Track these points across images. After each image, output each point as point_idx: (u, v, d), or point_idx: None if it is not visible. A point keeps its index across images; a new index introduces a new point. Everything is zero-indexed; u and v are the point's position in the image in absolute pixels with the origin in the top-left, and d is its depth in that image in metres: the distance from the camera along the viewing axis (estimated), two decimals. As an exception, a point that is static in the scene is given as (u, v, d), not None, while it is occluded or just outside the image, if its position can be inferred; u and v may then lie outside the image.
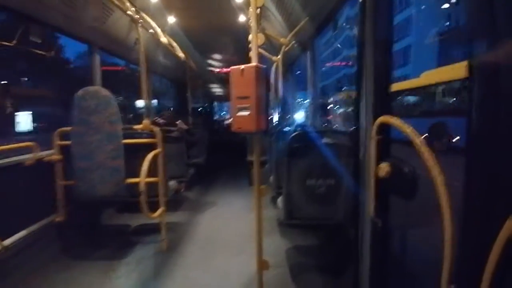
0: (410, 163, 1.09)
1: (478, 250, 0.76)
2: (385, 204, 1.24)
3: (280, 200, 2.39)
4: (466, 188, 0.82)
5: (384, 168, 1.14)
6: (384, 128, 1.22)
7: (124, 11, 2.72)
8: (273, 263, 1.97)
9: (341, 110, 22.91)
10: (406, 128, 1.05)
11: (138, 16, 2.93)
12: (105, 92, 2.34)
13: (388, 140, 1.25)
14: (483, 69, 0.78)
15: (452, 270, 0.84)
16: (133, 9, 2.84)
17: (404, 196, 1.13)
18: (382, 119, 1.19)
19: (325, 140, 2.43)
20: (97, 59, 3.32)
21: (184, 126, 4.42)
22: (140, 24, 2.87)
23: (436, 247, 0.91)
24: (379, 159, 1.20)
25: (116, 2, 2.55)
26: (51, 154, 2.48)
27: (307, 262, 2.39)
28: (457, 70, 8.60)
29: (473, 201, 0.81)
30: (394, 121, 1.13)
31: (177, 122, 4.44)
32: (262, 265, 1.74)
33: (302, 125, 3.55)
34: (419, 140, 0.97)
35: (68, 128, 2.38)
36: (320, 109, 4.58)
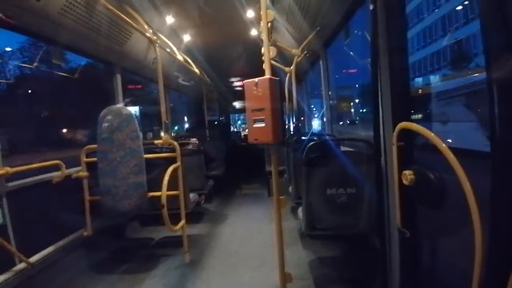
0: (436, 170, 1.05)
1: (507, 256, 0.73)
2: (411, 213, 1.20)
3: (300, 210, 2.36)
4: (493, 193, 0.79)
5: (408, 175, 1.11)
6: (406, 134, 1.20)
7: (143, 33, 2.87)
8: (297, 276, 1.93)
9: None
10: (428, 133, 1.02)
11: (156, 37, 3.08)
12: (126, 110, 2.45)
13: (411, 147, 1.22)
14: (502, 74, 0.76)
15: (482, 276, 0.80)
16: (151, 30, 2.99)
17: (431, 205, 1.09)
18: (403, 125, 1.16)
19: (343, 148, 2.40)
20: (118, 78, 3.50)
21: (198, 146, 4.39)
22: (157, 44, 3.02)
23: (467, 254, 0.87)
24: (403, 166, 1.17)
25: (135, 25, 2.70)
26: (78, 171, 2.60)
27: (331, 274, 2.32)
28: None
29: (501, 207, 0.78)
30: (415, 126, 1.11)
31: (192, 140, 4.48)
32: (285, 277, 1.71)
33: (319, 134, 3.52)
34: (443, 145, 0.94)
35: (94, 146, 2.50)
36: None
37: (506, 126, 0.77)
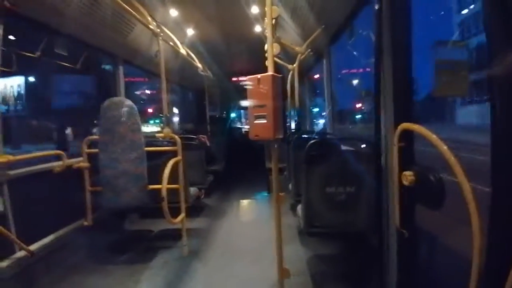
0: (436, 171, 1.06)
1: (505, 257, 0.74)
2: (410, 213, 1.21)
3: (299, 208, 2.37)
4: (493, 195, 0.80)
5: (408, 176, 1.12)
6: (407, 136, 1.20)
7: (146, 25, 2.86)
8: (294, 272, 1.95)
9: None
10: (430, 135, 1.02)
11: (159, 30, 3.07)
12: (128, 102, 2.44)
13: (411, 148, 1.22)
14: (503, 74, 0.76)
15: (480, 277, 0.81)
16: (154, 23, 2.98)
17: (430, 205, 1.10)
18: (404, 126, 1.17)
19: (344, 147, 2.40)
20: (121, 70, 3.49)
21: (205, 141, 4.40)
22: (160, 37, 3.00)
23: (464, 254, 0.88)
24: (403, 167, 1.17)
25: (139, 17, 2.68)
26: (79, 162, 2.61)
27: (329, 271, 2.34)
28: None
29: (500, 209, 0.79)
30: (417, 128, 1.11)
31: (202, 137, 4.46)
32: (283, 273, 1.73)
33: (320, 132, 3.52)
34: (444, 147, 0.94)
35: (96, 137, 2.51)
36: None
37: (507, 122, 0.78)
